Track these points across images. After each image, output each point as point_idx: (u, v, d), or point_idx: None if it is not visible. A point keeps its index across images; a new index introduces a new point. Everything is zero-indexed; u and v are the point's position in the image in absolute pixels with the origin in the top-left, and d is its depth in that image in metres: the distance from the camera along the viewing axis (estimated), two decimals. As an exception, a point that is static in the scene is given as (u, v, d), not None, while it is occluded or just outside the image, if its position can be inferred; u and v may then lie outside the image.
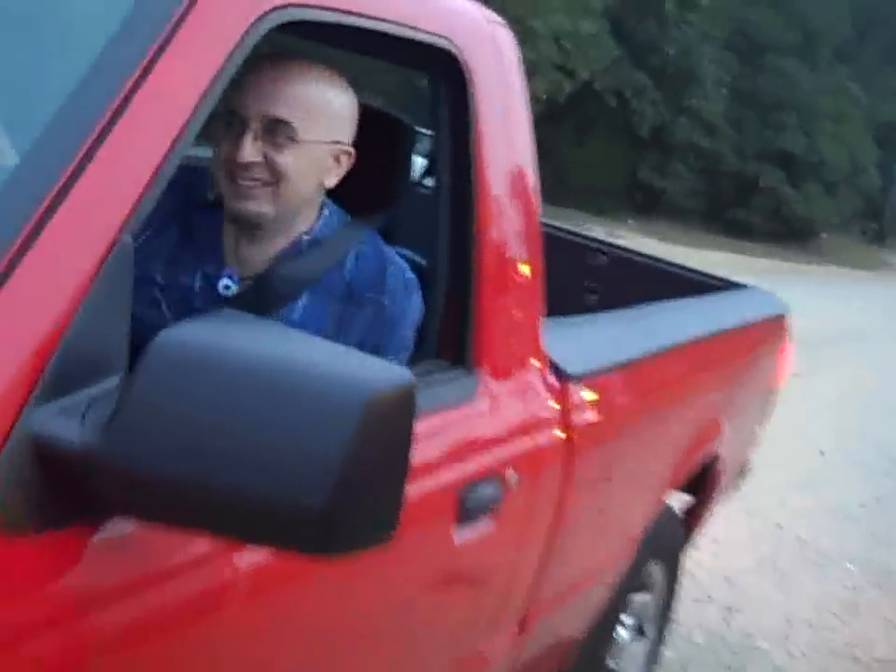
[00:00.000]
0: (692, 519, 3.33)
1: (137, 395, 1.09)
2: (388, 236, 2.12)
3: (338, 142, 1.82)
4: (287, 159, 1.74)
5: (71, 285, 1.16)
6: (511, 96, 2.03)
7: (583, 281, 3.86)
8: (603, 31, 23.84)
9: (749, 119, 29.36)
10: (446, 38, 1.83)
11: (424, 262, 2.11)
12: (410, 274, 1.89)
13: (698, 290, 3.57)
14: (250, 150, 1.72)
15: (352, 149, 1.85)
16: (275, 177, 1.74)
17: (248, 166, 1.72)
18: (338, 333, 1.81)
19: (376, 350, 1.83)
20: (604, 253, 3.89)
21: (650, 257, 3.94)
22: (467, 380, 1.91)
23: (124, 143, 1.22)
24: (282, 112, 1.73)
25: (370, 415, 1.07)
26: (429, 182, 2.17)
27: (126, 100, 1.23)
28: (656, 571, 3.14)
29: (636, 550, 2.78)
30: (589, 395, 2.26)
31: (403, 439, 1.14)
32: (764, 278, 6.70)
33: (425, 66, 1.95)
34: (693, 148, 28.44)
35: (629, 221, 25.05)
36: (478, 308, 1.94)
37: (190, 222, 1.87)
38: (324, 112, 1.78)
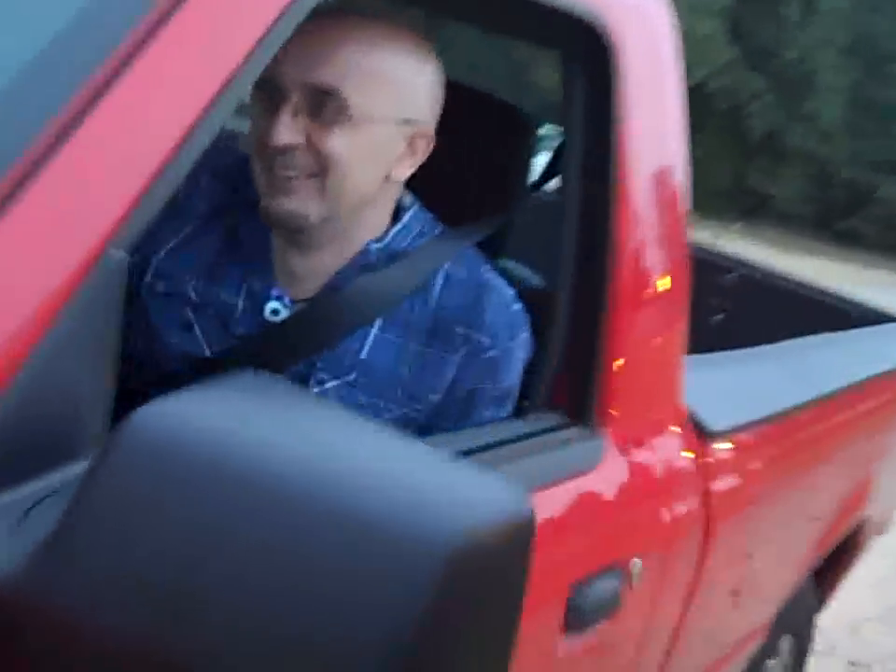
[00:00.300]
0: (826, 584, 2.86)
1: (93, 504, 0.69)
2: (497, 250, 1.70)
3: (410, 120, 1.38)
4: (335, 141, 1.31)
5: (21, 319, 0.76)
6: (666, 85, 1.60)
7: (708, 299, 3.39)
8: (720, 32, 23.14)
9: (867, 128, 28.32)
10: (592, 9, 1.40)
11: (540, 284, 1.70)
12: (517, 306, 1.46)
13: (838, 318, 3.09)
14: (288, 130, 1.30)
15: (431, 132, 1.42)
16: (321, 166, 1.32)
17: (286, 151, 1.31)
18: (418, 379, 1.40)
19: (467, 404, 1.42)
20: (733, 270, 3.42)
21: (785, 277, 3.44)
22: (589, 442, 1.48)
23: (120, 116, 0.82)
24: (329, 79, 1.31)
25: (456, 570, 0.65)
26: (550, 187, 1.75)
27: (123, 62, 0.83)
28: (786, 641, 2.69)
29: (769, 629, 2.33)
30: (733, 456, 1.81)
31: (508, 605, 0.71)
32: (876, 290, 6.11)
33: (560, 43, 1.51)
34: (807, 155, 27.52)
35: (735, 226, 24.29)
36: (608, 346, 1.51)
37: (238, 225, 1.46)
38: (389, 81, 1.35)
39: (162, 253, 1.44)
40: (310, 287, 1.42)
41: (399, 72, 1.36)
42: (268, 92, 1.32)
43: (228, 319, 1.41)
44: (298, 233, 1.38)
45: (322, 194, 1.33)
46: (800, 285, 3.38)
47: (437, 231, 1.48)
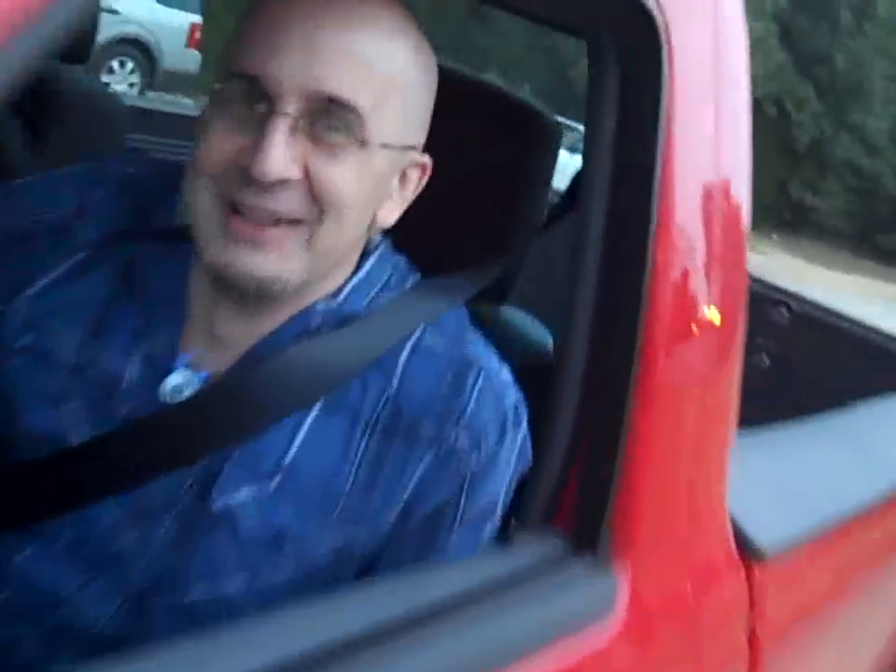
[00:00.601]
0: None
1: None
2: (500, 295, 1.31)
3: (407, 146, 1.02)
4: (344, 175, 0.95)
5: None
6: (729, 77, 1.19)
7: (754, 337, 2.96)
8: (771, 35, 22.63)
9: (916, 143, 27.69)
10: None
11: (550, 342, 1.30)
12: (512, 394, 1.06)
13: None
14: (284, 156, 0.92)
15: (427, 161, 1.05)
16: (318, 209, 0.95)
17: (274, 188, 0.92)
18: (366, 490, 1.01)
19: (431, 526, 1.03)
20: (787, 306, 2.98)
21: (846, 318, 2.99)
22: (599, 579, 1.07)
23: None
24: (346, 87, 0.94)
25: None
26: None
27: None
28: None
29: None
30: (788, 579, 1.41)
31: None
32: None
33: (590, 24, 1.10)
34: (852, 167, 26.93)
35: (773, 237, 23.78)
36: (633, 438, 1.10)
37: (137, 262, 1.06)
38: (399, 91, 0.99)
39: (30, 293, 1.05)
40: (232, 356, 1.02)
41: (407, 78, 1.00)
42: (246, 97, 0.94)
43: (112, 393, 1.02)
44: (258, 298, 0.98)
45: (308, 249, 0.96)
46: (865, 328, 2.93)
47: (410, 282, 1.08)
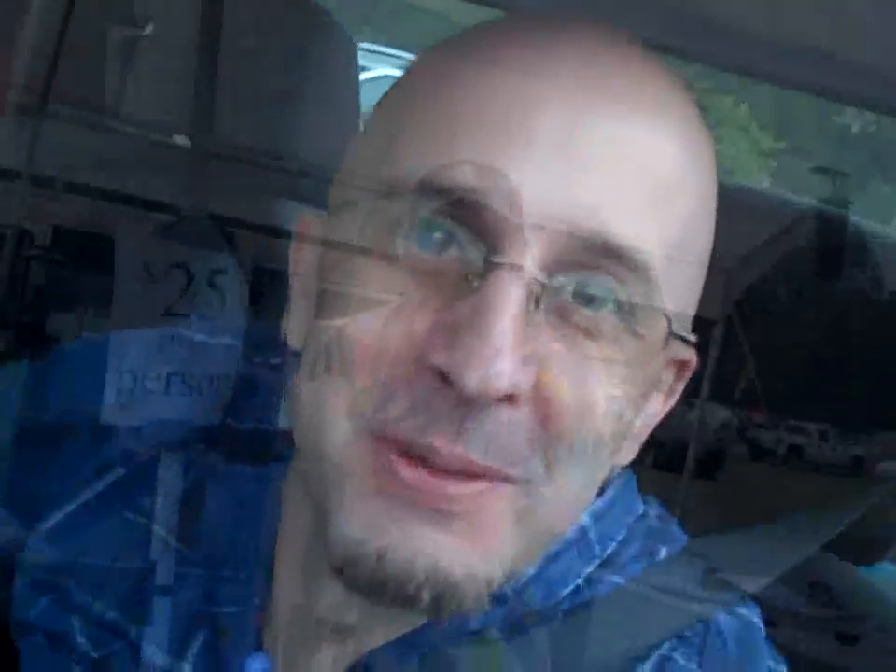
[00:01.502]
0: None
1: None
2: (867, 553, 0.84)
3: (681, 332, 0.56)
4: (600, 394, 0.51)
5: None
6: None
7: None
8: None
9: None
10: None
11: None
12: None
13: None
14: (516, 357, 0.48)
15: (693, 355, 0.59)
16: (547, 454, 0.50)
17: (487, 410, 0.49)
18: None
19: None
20: None
21: None
22: None
23: None
24: (640, 232, 0.51)
25: None
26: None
27: None
28: None
29: None
30: None
31: None
32: None
33: None
34: None
35: None
36: None
37: (199, 485, 0.66)
38: (695, 237, 0.56)
39: (48, 526, 0.69)
40: (344, 664, 0.60)
41: (705, 214, 0.58)
42: (445, 234, 0.52)
43: None
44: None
45: (520, 521, 0.52)
46: None
47: (663, 551, 0.61)
